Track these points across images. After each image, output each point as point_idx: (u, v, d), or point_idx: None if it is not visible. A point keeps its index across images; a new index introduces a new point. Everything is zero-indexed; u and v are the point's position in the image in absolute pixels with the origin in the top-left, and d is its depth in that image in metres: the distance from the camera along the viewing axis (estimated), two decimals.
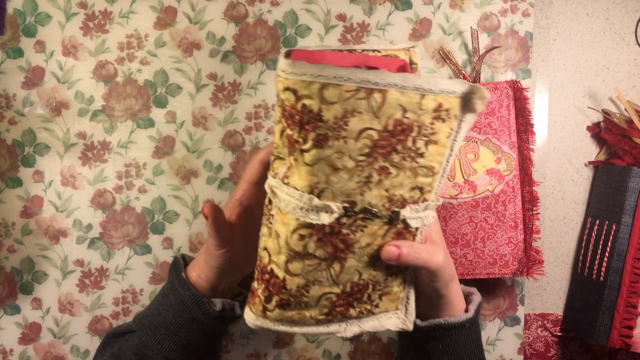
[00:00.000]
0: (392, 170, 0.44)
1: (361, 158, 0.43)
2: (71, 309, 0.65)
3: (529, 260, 0.62)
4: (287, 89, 0.43)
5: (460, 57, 0.64)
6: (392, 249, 0.46)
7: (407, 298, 0.50)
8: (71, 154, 0.64)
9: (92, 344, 0.66)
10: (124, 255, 0.65)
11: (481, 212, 0.62)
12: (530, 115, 0.62)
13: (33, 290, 0.65)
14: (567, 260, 0.70)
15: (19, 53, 0.63)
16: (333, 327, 0.48)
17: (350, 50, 0.50)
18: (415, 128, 0.43)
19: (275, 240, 0.45)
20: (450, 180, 0.62)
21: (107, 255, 0.65)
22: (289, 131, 0.44)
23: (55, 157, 0.64)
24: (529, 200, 0.62)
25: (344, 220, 0.44)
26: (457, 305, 0.52)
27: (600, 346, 0.71)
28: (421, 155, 0.45)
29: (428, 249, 0.48)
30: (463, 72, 0.63)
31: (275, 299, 0.46)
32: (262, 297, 0.47)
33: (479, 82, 0.62)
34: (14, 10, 0.62)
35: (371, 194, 0.44)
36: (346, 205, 0.44)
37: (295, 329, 0.47)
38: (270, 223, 0.47)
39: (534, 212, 0.62)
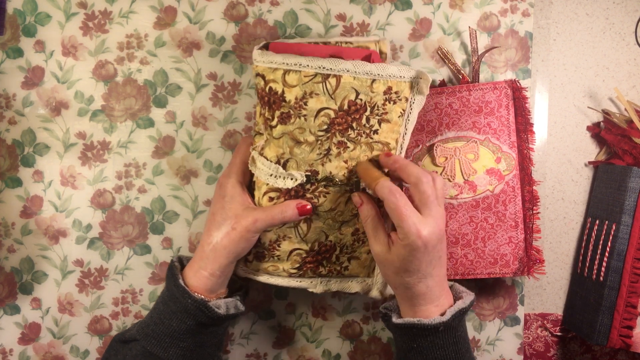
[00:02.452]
0: (350, 145, 0.51)
1: (320, 133, 0.50)
2: (71, 309, 0.65)
3: (530, 260, 0.62)
4: (257, 74, 0.50)
5: (460, 57, 0.64)
6: (356, 198, 0.53)
7: (378, 268, 0.56)
8: (71, 154, 0.64)
9: (92, 344, 0.66)
10: (123, 256, 0.65)
11: (481, 212, 0.62)
12: (529, 115, 0.62)
13: (33, 290, 0.65)
14: (567, 260, 0.70)
15: (18, 53, 0.63)
16: (305, 283, 0.56)
17: (325, 43, 0.56)
18: (368, 108, 0.50)
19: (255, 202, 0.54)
20: (450, 181, 0.62)
21: (106, 255, 0.65)
22: (262, 110, 0.51)
23: (55, 157, 0.64)
24: (529, 200, 0.62)
25: (308, 186, 0.52)
26: (442, 302, 0.52)
27: (600, 346, 0.71)
28: (375, 132, 0.51)
29: (405, 202, 0.48)
30: (462, 72, 0.63)
31: (253, 251, 0.55)
32: None
33: (478, 81, 0.63)
34: (14, 10, 0.62)
35: (331, 165, 0.51)
36: (308, 173, 0.51)
37: (272, 280, 0.56)
38: (254, 189, 0.54)
39: (534, 212, 0.62)
